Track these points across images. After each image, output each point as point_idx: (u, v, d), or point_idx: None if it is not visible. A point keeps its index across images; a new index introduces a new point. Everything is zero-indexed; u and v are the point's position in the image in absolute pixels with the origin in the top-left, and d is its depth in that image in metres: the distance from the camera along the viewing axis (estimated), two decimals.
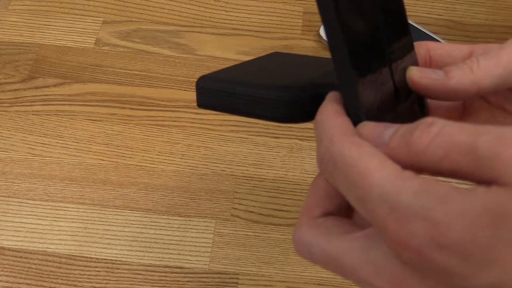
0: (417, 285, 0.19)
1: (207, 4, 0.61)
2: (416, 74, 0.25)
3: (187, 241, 0.46)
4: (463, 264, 0.17)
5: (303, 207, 0.24)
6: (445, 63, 0.26)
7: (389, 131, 0.21)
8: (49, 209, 0.47)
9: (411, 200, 0.18)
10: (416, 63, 0.26)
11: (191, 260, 0.45)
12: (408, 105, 0.25)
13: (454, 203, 0.18)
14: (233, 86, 0.26)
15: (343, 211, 0.24)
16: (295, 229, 0.23)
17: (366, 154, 0.20)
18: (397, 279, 0.20)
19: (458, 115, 0.29)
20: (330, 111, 0.23)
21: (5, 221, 0.47)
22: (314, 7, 0.61)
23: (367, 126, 0.22)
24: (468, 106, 0.28)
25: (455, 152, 0.19)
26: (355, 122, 0.22)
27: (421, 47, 0.27)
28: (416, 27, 0.57)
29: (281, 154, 0.51)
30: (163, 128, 0.52)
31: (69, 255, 0.45)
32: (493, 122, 0.27)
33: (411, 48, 0.26)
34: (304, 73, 0.28)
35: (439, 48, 0.27)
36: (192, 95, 0.54)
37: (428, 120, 0.20)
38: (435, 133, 0.19)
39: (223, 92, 0.27)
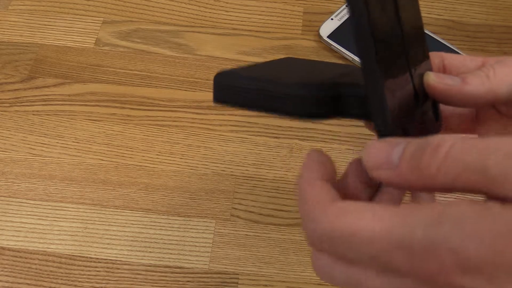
0: None
1: (207, 4, 0.61)
2: (433, 79, 0.25)
3: (187, 241, 0.46)
4: (489, 284, 0.17)
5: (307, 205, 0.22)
6: (459, 72, 0.27)
7: (397, 150, 0.20)
8: (49, 209, 0.47)
9: (426, 235, 0.18)
10: (431, 71, 0.26)
11: (191, 260, 0.45)
12: (423, 110, 0.25)
13: (470, 226, 0.17)
14: (253, 82, 0.27)
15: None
16: (312, 255, 0.22)
17: (356, 217, 0.19)
18: None
19: (470, 123, 0.29)
20: (305, 181, 0.22)
21: (5, 221, 0.47)
22: (314, 7, 0.61)
23: (374, 147, 0.21)
24: (480, 115, 0.29)
25: (466, 172, 0.18)
26: (380, 123, 0.22)
27: (435, 57, 0.28)
28: None
29: (281, 154, 0.51)
30: (163, 128, 0.52)
31: (69, 255, 0.45)
32: (504, 132, 0.27)
33: (427, 56, 0.26)
34: (321, 74, 0.28)
35: (453, 58, 0.28)
36: (192, 95, 0.54)
37: (435, 140, 0.19)
38: (444, 156, 0.19)
39: (243, 87, 0.27)
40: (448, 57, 0.28)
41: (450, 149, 0.19)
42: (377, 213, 0.19)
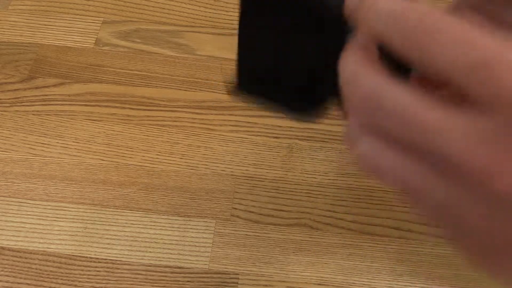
0: None
1: (207, 4, 0.61)
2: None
3: (187, 241, 0.46)
4: None
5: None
6: None
7: None
8: (49, 209, 0.47)
9: None
10: None
11: (191, 260, 0.45)
12: None
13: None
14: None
15: None
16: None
17: (391, 85, 0.20)
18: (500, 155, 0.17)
19: None
20: (363, 43, 0.21)
21: (5, 221, 0.47)
22: None
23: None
24: None
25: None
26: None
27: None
28: None
29: (281, 154, 0.51)
30: (163, 128, 0.52)
31: (69, 255, 0.45)
32: None
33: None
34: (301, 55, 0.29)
35: None
36: (192, 95, 0.54)
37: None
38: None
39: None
40: None
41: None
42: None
